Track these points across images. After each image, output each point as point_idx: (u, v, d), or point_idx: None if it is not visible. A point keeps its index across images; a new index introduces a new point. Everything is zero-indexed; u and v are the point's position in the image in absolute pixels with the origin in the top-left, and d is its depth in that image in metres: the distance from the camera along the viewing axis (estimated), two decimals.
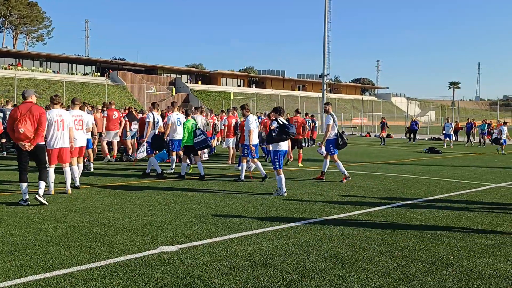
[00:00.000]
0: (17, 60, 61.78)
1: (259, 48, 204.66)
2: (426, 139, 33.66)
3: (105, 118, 14.10)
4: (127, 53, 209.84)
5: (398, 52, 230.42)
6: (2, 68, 56.77)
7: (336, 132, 10.61)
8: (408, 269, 4.48)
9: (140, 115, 16.89)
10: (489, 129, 27.22)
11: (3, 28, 77.49)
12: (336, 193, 8.89)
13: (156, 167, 10.76)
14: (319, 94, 56.73)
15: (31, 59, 63.46)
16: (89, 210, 6.83)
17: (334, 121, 10.53)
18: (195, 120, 11.57)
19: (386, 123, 28.19)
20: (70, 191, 8.21)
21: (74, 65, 67.47)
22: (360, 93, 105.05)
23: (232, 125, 14.46)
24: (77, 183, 8.90)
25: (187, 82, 74.21)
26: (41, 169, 7.42)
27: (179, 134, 11.58)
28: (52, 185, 8.03)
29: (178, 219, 6.36)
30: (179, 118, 11.72)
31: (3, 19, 75.71)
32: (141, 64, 72.58)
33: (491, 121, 34.03)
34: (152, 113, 11.22)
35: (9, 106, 15.47)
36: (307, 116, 23.59)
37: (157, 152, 11.27)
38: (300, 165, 13.82)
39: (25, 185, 7.14)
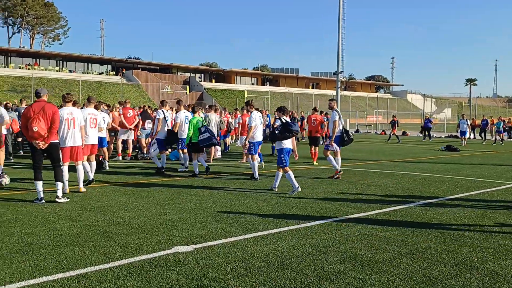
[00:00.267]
0: (34, 59, 62.63)
1: (273, 46, 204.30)
2: (443, 136, 33.11)
3: (121, 116, 14.15)
4: (142, 53, 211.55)
5: (413, 48, 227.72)
6: (20, 68, 57.62)
7: (341, 128, 10.60)
8: (431, 271, 4.32)
9: (155, 113, 16.90)
10: (504, 126, 26.64)
11: (21, 28, 78.67)
12: (353, 192, 8.73)
13: (156, 162, 10.94)
14: (333, 92, 56.31)
15: (48, 58, 64.29)
16: (104, 209, 6.80)
17: (339, 117, 10.53)
18: (202, 117, 11.51)
19: (397, 121, 27.81)
20: (82, 189, 8.21)
21: (90, 64, 68.16)
22: (375, 90, 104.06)
23: (246, 123, 14.36)
24: (91, 177, 8.99)
25: (201, 81, 74.38)
26: (56, 168, 7.42)
27: (185, 133, 11.57)
28: (66, 183, 8.03)
29: (192, 218, 6.28)
30: (187, 116, 11.71)
31: (21, 19, 76.85)
32: (156, 63, 72.98)
33: (509, 118, 33.35)
34: (162, 111, 11.28)
35: (23, 105, 15.62)
36: (322, 114, 23.37)
37: (169, 149, 11.28)
38: (315, 163, 13.66)
39: (40, 183, 7.16)
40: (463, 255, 4.81)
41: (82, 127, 8.30)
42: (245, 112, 15.23)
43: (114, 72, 67.16)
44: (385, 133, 37.29)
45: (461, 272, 4.32)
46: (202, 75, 79.20)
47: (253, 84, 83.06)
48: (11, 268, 4.13)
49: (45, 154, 7.34)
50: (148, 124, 14.62)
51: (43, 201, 7.14)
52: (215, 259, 4.54)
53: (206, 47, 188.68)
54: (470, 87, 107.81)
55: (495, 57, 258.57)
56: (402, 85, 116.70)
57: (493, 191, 9.10)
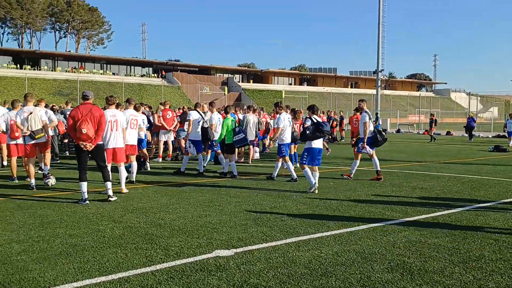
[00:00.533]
0: (80, 63, 65.05)
1: (311, 45, 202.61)
2: (490, 136, 31.65)
3: (160, 118, 14.35)
4: (182, 55, 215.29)
5: (457, 45, 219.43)
6: (66, 71, 60.00)
7: (372, 129, 10.40)
8: (487, 282, 4.03)
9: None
10: None
11: (67, 33, 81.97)
12: (397, 195, 8.41)
13: (184, 165, 11.07)
14: (373, 91, 55.14)
15: (92, 62, 66.58)
16: (145, 210, 6.85)
17: (370, 118, 10.32)
18: (233, 118, 11.48)
19: (435, 120, 26.80)
20: (124, 190, 8.33)
21: (132, 67, 70.04)
22: (416, 89, 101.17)
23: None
24: (133, 178, 9.33)
25: (239, 82, 74.80)
26: (103, 169, 7.60)
27: (218, 134, 11.56)
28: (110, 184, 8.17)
29: (232, 221, 6.21)
30: (220, 118, 11.69)
31: (67, 24, 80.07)
32: (195, 64, 74.05)
33: None
34: (197, 111, 11.35)
35: (68, 107, 16.14)
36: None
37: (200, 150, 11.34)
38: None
39: (84, 184, 7.32)
40: None
41: (124, 129, 8.44)
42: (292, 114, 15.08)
43: (155, 74, 68.70)
44: (428, 133, 36.16)
45: None
46: (240, 75, 79.64)
47: (290, 84, 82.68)
48: (55, 270, 4.19)
49: (89, 156, 7.52)
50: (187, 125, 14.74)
51: (87, 202, 7.29)
52: (256, 264, 4.43)
53: (244, 48, 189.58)
54: None
55: None
56: (446, 83, 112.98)
57: None
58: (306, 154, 8.84)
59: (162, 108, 14.73)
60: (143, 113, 14.56)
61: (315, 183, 8.63)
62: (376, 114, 30.68)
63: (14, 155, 9.51)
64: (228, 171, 10.78)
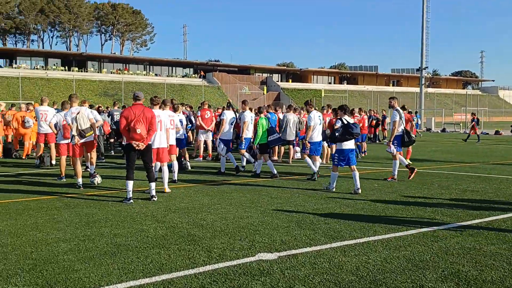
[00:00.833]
0: (124, 65, 67.00)
1: (351, 43, 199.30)
2: None
3: (199, 118, 14.45)
4: (221, 55, 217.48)
5: (505, 41, 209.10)
6: (111, 73, 61.95)
7: (403, 128, 10.09)
8: None
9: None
10: None
11: (112, 35, 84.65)
12: (446, 198, 8.02)
13: (222, 165, 11.10)
14: (416, 89, 53.56)
15: (136, 63, 68.42)
16: (187, 210, 6.85)
17: (400, 117, 10.01)
18: (267, 118, 11.37)
19: (478, 119, 25.54)
20: (167, 190, 8.39)
21: (174, 68, 71.43)
22: (462, 86, 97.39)
23: (327, 123, 13.95)
24: (175, 177, 9.50)
25: (278, 81, 74.63)
26: (148, 169, 7.71)
27: (250, 132, 11.53)
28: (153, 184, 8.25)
29: (274, 223, 6.09)
30: (252, 116, 11.62)
31: (112, 27, 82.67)
32: (235, 64, 74.57)
33: None
34: (235, 111, 11.38)
35: (116, 108, 16.54)
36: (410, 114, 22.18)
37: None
38: (409, 161, 13.20)
39: (131, 183, 7.44)
40: None
41: (168, 129, 8.54)
42: (325, 112, 14.82)
43: (196, 75, 69.73)
44: (475, 133, 34.67)
45: None
46: (279, 75, 79.44)
47: (330, 83, 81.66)
48: (100, 271, 4.21)
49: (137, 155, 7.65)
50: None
51: (131, 201, 7.39)
52: (301, 269, 4.28)
53: (283, 47, 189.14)
54: None
55: None
56: (493, 80, 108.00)
57: None
58: (337, 155, 8.71)
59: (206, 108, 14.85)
60: (184, 113, 14.75)
61: (333, 188, 8.69)
62: (416, 112, 29.70)
63: (64, 154, 9.85)
64: (258, 172, 10.75)
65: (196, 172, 11.27)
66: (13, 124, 14.41)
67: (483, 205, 7.38)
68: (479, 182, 9.83)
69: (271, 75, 76.46)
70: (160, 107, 8.77)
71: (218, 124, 14.01)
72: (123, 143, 14.30)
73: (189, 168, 11.81)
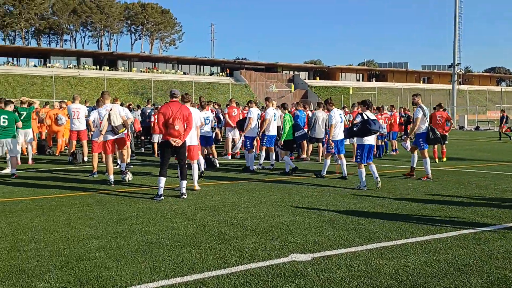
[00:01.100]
0: (153, 63, 67.92)
1: (380, 40, 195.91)
2: None
3: (226, 115, 14.41)
4: (248, 53, 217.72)
5: None
6: (141, 71, 62.93)
7: (427, 125, 9.79)
8: None
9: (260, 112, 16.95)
10: None
11: (141, 35, 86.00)
12: (485, 198, 7.66)
13: (251, 163, 10.97)
14: (447, 86, 52.04)
15: (165, 62, 69.23)
16: (217, 209, 6.77)
17: (424, 114, 9.73)
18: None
19: (507, 117, 24.52)
20: (197, 187, 8.35)
21: (201, 66, 71.92)
22: (496, 83, 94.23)
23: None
24: (202, 169, 9.71)
25: (305, 79, 74.08)
26: (182, 167, 7.69)
27: (274, 129, 11.37)
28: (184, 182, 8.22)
29: (306, 222, 5.94)
30: (275, 114, 11.44)
31: (141, 26, 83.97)
32: (262, 62, 74.44)
33: None
34: (264, 108, 11.26)
35: (149, 106, 16.69)
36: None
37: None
38: (444, 159, 13.22)
39: (163, 180, 7.44)
40: None
41: (198, 127, 8.50)
42: (356, 109, 14.51)
43: (223, 73, 70.02)
44: (511, 130, 33.43)
45: None
46: (306, 72, 78.82)
47: (358, 80, 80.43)
48: (132, 269, 4.16)
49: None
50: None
51: (162, 197, 7.38)
52: (336, 272, 4.12)
53: (310, 45, 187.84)
54: None
55: None
56: None
57: None
58: (359, 151, 8.57)
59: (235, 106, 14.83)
60: (212, 110, 14.74)
61: (365, 186, 8.46)
62: (444, 110, 28.80)
63: (98, 151, 9.97)
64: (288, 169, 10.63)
65: (225, 170, 11.21)
66: (47, 121, 14.75)
67: None
68: None
69: (298, 72, 75.95)
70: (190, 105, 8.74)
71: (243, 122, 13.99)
72: (152, 140, 14.49)
73: (217, 165, 11.76)
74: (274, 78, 69.82)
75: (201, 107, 11.36)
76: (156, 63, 68.29)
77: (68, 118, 13.33)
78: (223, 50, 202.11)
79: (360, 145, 8.59)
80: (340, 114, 10.26)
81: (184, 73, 67.04)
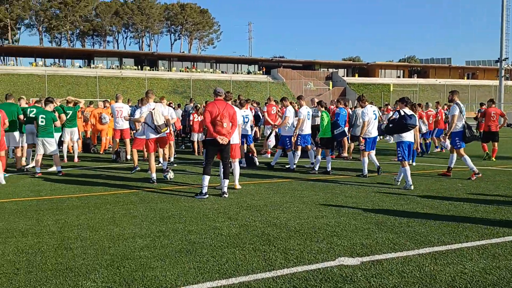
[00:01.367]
0: (192, 63, 68.86)
1: (421, 35, 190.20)
2: None
3: (265, 113, 14.30)
4: (286, 51, 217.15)
5: None
6: (180, 71, 63.96)
7: (464, 123, 9.37)
8: None
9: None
10: None
11: (181, 35, 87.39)
12: None
13: (291, 162, 10.91)
14: (493, 82, 49.70)
15: (203, 61, 70.07)
16: (259, 208, 6.66)
17: (460, 111, 9.35)
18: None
19: None
20: (238, 186, 8.28)
21: (239, 65, 72.25)
22: None
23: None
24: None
25: (343, 76, 72.93)
26: (225, 165, 7.67)
27: (307, 129, 11.17)
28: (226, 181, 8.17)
29: (352, 224, 5.72)
30: (309, 112, 11.18)
31: (181, 27, 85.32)
32: (299, 60, 73.90)
33: None
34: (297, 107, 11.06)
35: (191, 105, 16.84)
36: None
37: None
38: (493, 159, 12.63)
39: (208, 178, 7.42)
40: None
41: (239, 125, 8.43)
42: (398, 107, 14.03)
43: (261, 71, 70.02)
44: None
45: None
46: (345, 70, 77.60)
47: (399, 77, 78.39)
48: (176, 269, 4.11)
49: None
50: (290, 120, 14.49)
51: (207, 195, 7.37)
52: (388, 278, 3.90)
53: (349, 42, 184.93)
54: None
55: None
56: None
57: None
58: (399, 149, 8.36)
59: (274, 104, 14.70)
60: (251, 108, 14.68)
61: (411, 185, 8.23)
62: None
63: (137, 147, 10.19)
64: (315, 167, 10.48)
65: (265, 168, 11.09)
66: (91, 120, 15.15)
67: None
68: None
69: (337, 70, 74.87)
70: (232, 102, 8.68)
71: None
72: (192, 139, 14.59)
73: (257, 163, 11.66)
74: (312, 76, 69.19)
75: (240, 105, 11.30)
76: (195, 63, 69.20)
77: (112, 117, 13.62)
78: (261, 49, 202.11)
79: (400, 143, 8.38)
80: (373, 111, 9.97)
81: (222, 72, 67.57)
